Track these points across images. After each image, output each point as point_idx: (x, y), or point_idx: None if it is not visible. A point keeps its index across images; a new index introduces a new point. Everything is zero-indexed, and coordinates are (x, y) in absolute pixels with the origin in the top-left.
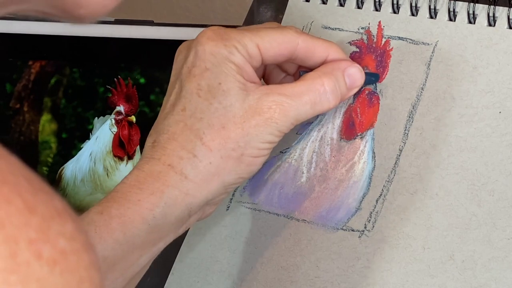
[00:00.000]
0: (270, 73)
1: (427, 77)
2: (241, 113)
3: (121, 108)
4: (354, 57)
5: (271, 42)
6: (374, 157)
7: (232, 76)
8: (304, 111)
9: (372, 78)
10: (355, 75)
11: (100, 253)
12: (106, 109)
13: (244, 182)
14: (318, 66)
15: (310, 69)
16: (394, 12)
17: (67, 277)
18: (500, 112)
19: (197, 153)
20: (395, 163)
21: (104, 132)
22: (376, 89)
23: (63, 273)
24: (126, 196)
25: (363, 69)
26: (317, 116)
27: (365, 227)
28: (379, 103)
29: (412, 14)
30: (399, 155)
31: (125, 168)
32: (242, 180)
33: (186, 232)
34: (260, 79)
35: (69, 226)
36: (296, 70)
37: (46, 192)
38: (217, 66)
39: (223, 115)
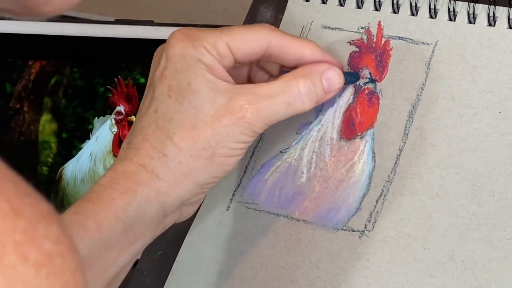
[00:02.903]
0: (254, 75)
1: (427, 77)
2: (212, 112)
3: (121, 108)
4: (354, 57)
5: (242, 40)
6: (374, 157)
7: (201, 76)
8: (278, 111)
9: (352, 78)
10: (333, 78)
11: None
12: (106, 109)
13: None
14: (296, 65)
15: (291, 68)
16: (394, 12)
17: (53, 279)
18: (500, 112)
19: (167, 153)
20: (395, 163)
21: (104, 132)
22: (376, 89)
23: (49, 275)
24: (100, 196)
25: (365, 73)
26: (317, 115)
27: (365, 227)
28: (379, 103)
29: (412, 14)
30: (399, 155)
31: None
32: (217, 179)
33: (186, 232)
34: (246, 82)
35: (55, 229)
36: (279, 71)
37: (32, 196)
38: (187, 66)
39: (194, 115)
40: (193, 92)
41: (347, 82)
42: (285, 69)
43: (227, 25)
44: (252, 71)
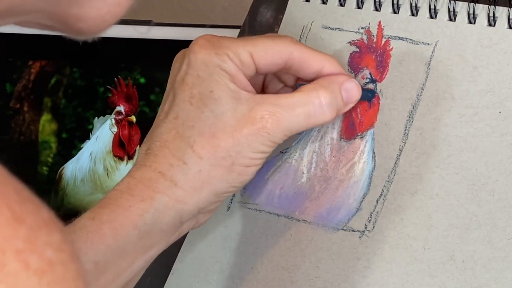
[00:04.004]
0: (268, 84)
1: (427, 77)
2: (233, 122)
3: (121, 108)
4: (354, 57)
5: (265, 51)
6: (374, 157)
7: (224, 85)
8: (298, 123)
9: (369, 94)
10: (352, 90)
11: (92, 258)
12: (106, 109)
13: (238, 190)
14: (314, 78)
15: (307, 81)
16: (394, 12)
17: (55, 287)
18: (500, 112)
19: (187, 161)
20: (395, 163)
21: (104, 132)
22: (376, 89)
23: (50, 283)
24: (117, 202)
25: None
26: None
27: (366, 227)
28: (379, 103)
29: (412, 14)
30: (399, 155)
31: (125, 168)
32: (235, 189)
33: (187, 232)
34: (260, 90)
35: (56, 237)
36: (294, 82)
37: (34, 203)
38: (209, 74)
39: (214, 124)
40: (214, 100)
41: (363, 98)
42: (300, 82)
43: (227, 25)
44: (266, 80)
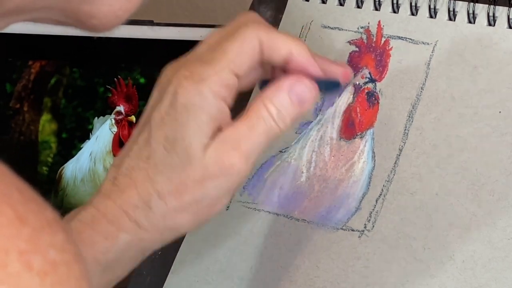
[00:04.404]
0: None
1: (427, 77)
2: (201, 172)
3: (121, 108)
4: (354, 57)
5: (243, 58)
6: (374, 156)
7: (199, 131)
8: (260, 146)
9: (333, 86)
10: (302, 93)
11: None
12: (106, 109)
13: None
14: (284, 63)
15: (270, 79)
16: (394, 12)
17: None
18: (500, 112)
19: (153, 206)
20: (395, 163)
21: (104, 132)
22: (376, 88)
23: (53, 284)
24: (80, 235)
25: (365, 73)
26: (316, 115)
27: (365, 227)
28: (379, 103)
29: (412, 14)
30: (399, 155)
31: None
32: (199, 227)
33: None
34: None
35: (60, 237)
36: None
37: (37, 203)
38: (186, 119)
39: (184, 172)
40: (185, 149)
41: (327, 90)
42: (264, 78)
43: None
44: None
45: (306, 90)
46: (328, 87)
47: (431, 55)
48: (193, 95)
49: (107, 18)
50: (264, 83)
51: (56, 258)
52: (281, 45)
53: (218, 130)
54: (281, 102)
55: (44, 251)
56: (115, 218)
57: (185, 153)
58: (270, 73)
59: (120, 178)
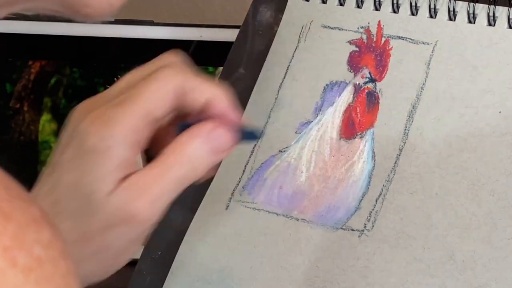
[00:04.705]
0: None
1: (427, 77)
2: (104, 223)
3: None
4: (354, 56)
5: (155, 102)
6: (374, 156)
7: (102, 179)
8: (170, 195)
9: (254, 134)
10: (219, 138)
11: None
12: None
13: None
14: (202, 109)
15: (186, 122)
16: (394, 12)
17: (43, 285)
18: (500, 112)
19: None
20: (395, 163)
21: None
22: (376, 88)
23: (38, 280)
24: None
25: (365, 73)
26: (316, 115)
27: (365, 227)
28: (379, 103)
29: (412, 14)
30: (399, 155)
31: None
32: (107, 275)
33: (185, 232)
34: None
35: (46, 234)
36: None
37: (23, 199)
38: (93, 164)
39: (87, 220)
40: (89, 196)
41: (244, 139)
42: (180, 123)
43: (227, 25)
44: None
45: (223, 139)
46: (247, 136)
47: (431, 55)
48: (100, 139)
49: (101, 6)
50: (183, 127)
51: (41, 254)
52: (201, 91)
53: (126, 176)
54: (196, 150)
55: (29, 247)
56: None
57: (88, 200)
58: (189, 116)
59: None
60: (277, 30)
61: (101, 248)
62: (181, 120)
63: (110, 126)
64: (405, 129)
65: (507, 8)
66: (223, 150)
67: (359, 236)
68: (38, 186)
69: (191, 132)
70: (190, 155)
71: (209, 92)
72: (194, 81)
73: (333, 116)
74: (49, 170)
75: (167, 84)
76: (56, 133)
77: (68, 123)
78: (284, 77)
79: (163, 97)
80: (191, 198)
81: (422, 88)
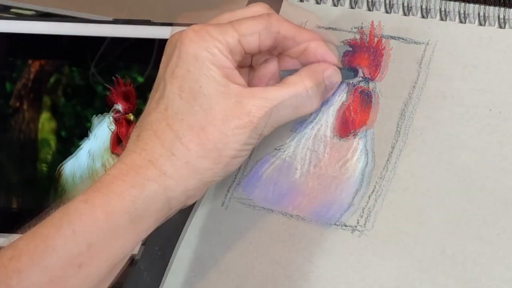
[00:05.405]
0: (252, 77)
1: (418, 76)
2: (221, 116)
3: (119, 106)
4: (348, 56)
5: (252, 35)
6: (368, 154)
7: (213, 79)
8: (286, 115)
9: (351, 73)
10: (333, 76)
11: (86, 240)
12: (104, 108)
13: (224, 178)
14: (299, 56)
15: (290, 70)
16: (387, 12)
17: None
18: (490, 110)
19: (176, 152)
20: (387, 160)
21: (102, 130)
22: (369, 87)
23: None
24: (109, 186)
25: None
26: (311, 113)
27: (358, 223)
28: (372, 101)
29: (405, 14)
30: (392, 152)
31: None
32: (221, 178)
33: (183, 228)
34: (248, 64)
35: None
36: (278, 53)
37: None
38: (198, 69)
39: (203, 118)
40: (203, 95)
41: (345, 78)
42: (283, 69)
43: None
44: (250, 74)
45: (336, 75)
46: (345, 75)
47: (423, 54)
48: (201, 49)
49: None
50: (285, 73)
51: None
52: (300, 38)
53: (232, 83)
54: (318, 83)
55: None
56: (141, 168)
57: (204, 100)
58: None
59: (143, 133)
60: None
61: (218, 146)
62: (283, 68)
63: (207, 39)
64: (398, 127)
65: (498, 8)
66: (334, 87)
67: (352, 232)
68: (147, 106)
69: (312, 67)
70: (313, 88)
71: (308, 38)
72: (294, 29)
73: (327, 115)
74: (155, 87)
75: (269, 29)
76: (55, 132)
77: (167, 44)
78: None
79: (255, 29)
80: None
81: (414, 87)
